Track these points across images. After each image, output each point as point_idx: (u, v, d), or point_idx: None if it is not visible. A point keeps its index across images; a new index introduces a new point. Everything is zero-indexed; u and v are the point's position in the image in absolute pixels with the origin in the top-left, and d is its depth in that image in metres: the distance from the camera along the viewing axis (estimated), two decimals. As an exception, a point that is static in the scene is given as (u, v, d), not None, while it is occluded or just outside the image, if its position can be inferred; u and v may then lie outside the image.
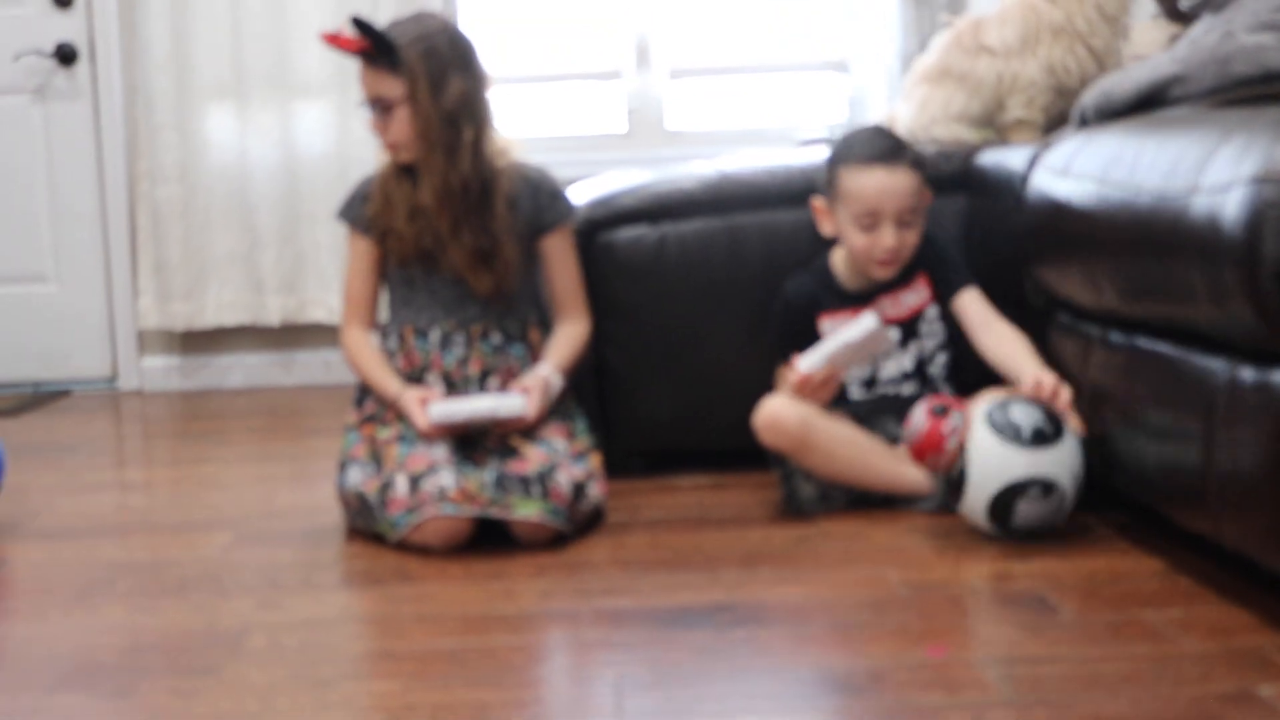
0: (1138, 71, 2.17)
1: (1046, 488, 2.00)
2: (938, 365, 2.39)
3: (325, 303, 4.01)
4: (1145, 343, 1.89)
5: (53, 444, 3.27)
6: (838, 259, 2.43)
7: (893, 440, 2.30)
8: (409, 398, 2.25)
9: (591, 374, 2.55)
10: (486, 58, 2.33)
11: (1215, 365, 1.68)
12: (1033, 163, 2.27)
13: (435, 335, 2.34)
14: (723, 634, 1.71)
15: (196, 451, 3.21)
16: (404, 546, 2.13)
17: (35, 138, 4.12)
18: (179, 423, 3.65)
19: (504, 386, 2.32)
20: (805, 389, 2.25)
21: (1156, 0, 2.63)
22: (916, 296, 2.38)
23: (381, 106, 2.28)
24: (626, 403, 2.60)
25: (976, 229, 2.50)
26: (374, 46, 2.25)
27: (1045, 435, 2.00)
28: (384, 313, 2.41)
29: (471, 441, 2.26)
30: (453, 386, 2.33)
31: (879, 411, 2.35)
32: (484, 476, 2.11)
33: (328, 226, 3.93)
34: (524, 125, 4.14)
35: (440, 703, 1.52)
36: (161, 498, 2.71)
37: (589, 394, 2.53)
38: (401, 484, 2.14)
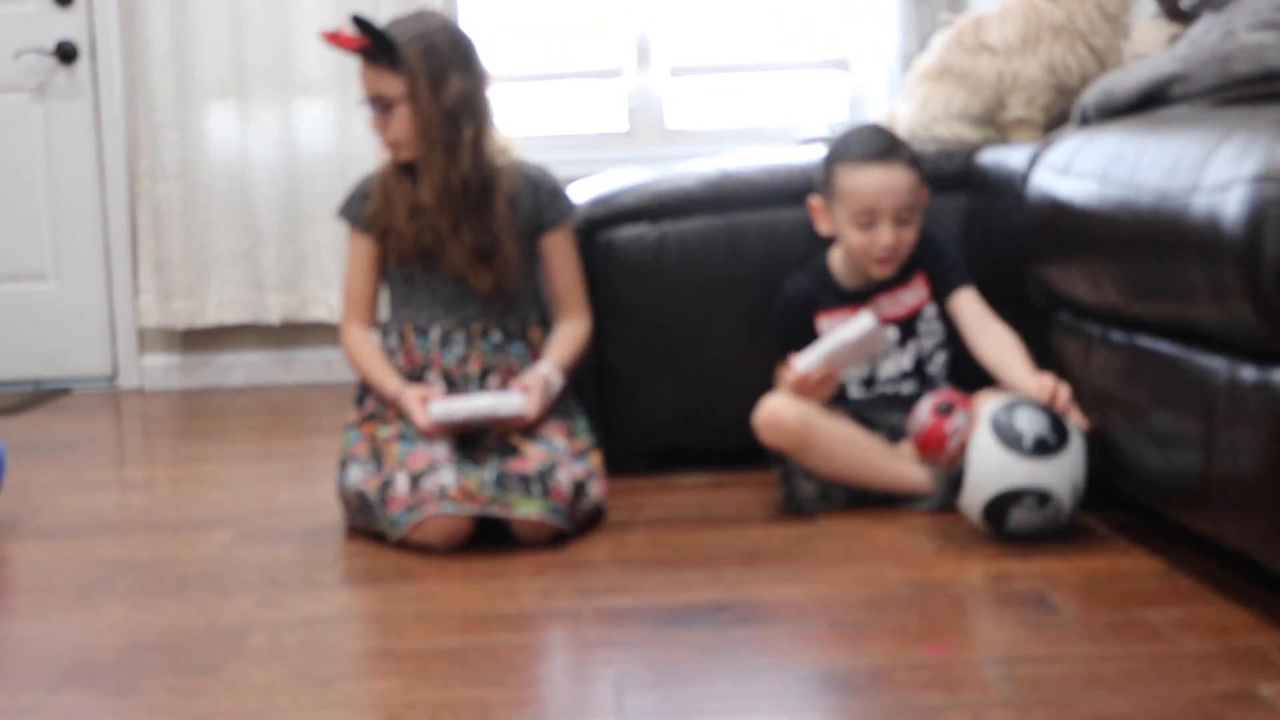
0: (1138, 70, 2.17)
1: (1042, 498, 1.99)
2: (937, 364, 2.39)
3: (326, 301, 4.01)
4: (1146, 342, 1.89)
5: (53, 442, 3.27)
6: (836, 258, 2.43)
7: (894, 436, 2.30)
8: (409, 396, 2.25)
9: (592, 372, 2.55)
10: (487, 56, 2.33)
11: (1216, 364, 1.68)
12: (1033, 161, 2.27)
13: (435, 334, 2.34)
14: (723, 633, 1.71)
15: (197, 450, 3.21)
16: (404, 545, 2.13)
17: (35, 136, 4.12)
18: (179, 421, 3.65)
19: (504, 385, 2.32)
20: (802, 388, 2.25)
21: (1157, -1, 2.64)
22: (915, 295, 2.38)
23: (382, 105, 2.28)
24: (627, 401, 2.59)
25: (977, 228, 2.50)
26: (374, 45, 2.25)
27: (1047, 445, 1.99)
28: (384, 311, 2.41)
29: (472, 440, 2.26)
30: (453, 385, 2.33)
31: (879, 408, 2.35)
32: (484, 475, 2.11)
33: (328, 225, 3.92)
34: (524, 124, 4.14)
35: (440, 701, 1.52)
36: (162, 496, 2.71)
37: (589, 393, 2.53)
38: (402, 482, 2.14)
